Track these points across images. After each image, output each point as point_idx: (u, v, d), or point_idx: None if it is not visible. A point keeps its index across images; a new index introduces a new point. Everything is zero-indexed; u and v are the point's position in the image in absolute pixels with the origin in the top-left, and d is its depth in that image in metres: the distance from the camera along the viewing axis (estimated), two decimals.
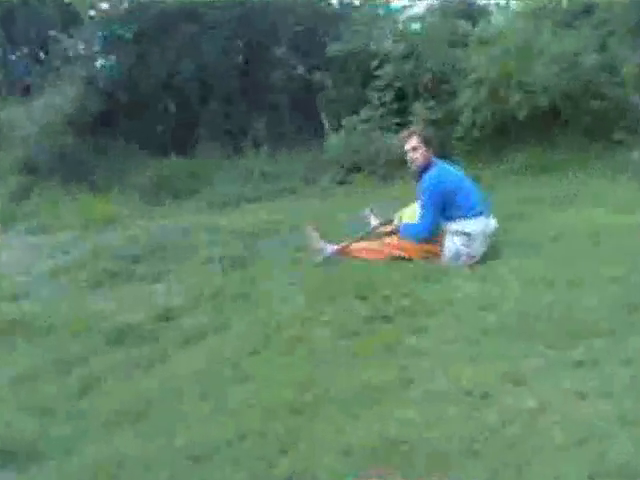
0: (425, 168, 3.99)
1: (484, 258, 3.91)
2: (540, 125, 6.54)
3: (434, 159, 4.02)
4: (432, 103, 7.09)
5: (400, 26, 7.42)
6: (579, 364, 2.54)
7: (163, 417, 2.44)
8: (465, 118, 6.79)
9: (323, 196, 6.33)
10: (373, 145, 6.75)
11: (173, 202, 6.60)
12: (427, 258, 4.02)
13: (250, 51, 7.39)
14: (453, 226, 3.90)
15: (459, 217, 3.89)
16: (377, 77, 7.31)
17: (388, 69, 7.25)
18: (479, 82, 6.46)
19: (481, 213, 3.92)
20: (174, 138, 7.69)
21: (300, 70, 7.18)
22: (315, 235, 4.36)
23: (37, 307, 3.85)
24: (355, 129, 6.92)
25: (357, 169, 6.77)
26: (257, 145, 7.70)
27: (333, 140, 6.95)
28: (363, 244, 4.22)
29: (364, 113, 7.08)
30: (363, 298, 3.45)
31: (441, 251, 3.97)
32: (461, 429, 2.13)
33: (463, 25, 7.13)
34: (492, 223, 3.96)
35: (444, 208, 3.91)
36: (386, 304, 3.30)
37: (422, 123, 4.66)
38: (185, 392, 2.60)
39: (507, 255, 3.97)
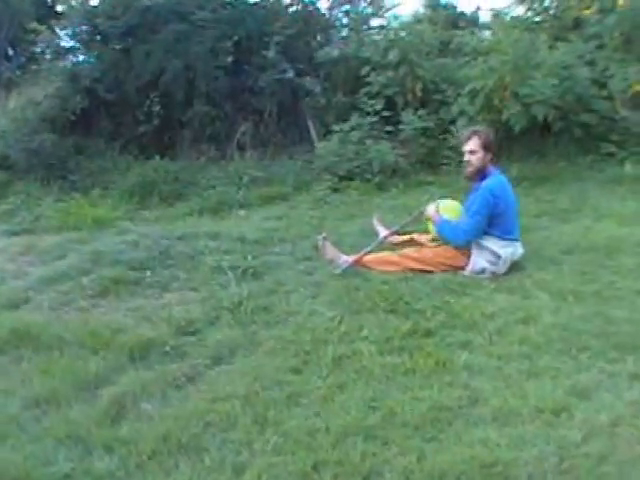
0: (479, 172, 3.93)
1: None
2: (533, 137, 6.59)
3: (491, 167, 3.98)
4: (422, 112, 7.07)
5: (392, 34, 7.34)
6: (635, 376, 2.55)
7: (220, 446, 2.24)
8: (459, 127, 6.79)
9: (318, 204, 6.18)
10: (367, 153, 6.65)
11: (159, 206, 6.37)
12: (445, 271, 3.98)
13: (239, 53, 7.21)
14: (486, 243, 3.86)
15: (496, 237, 3.85)
16: (367, 84, 7.25)
17: (379, 76, 7.20)
18: (475, 92, 6.45)
19: (517, 240, 3.90)
20: (157, 139, 7.43)
21: (290, 74, 7.02)
22: (329, 245, 4.25)
23: (40, 317, 3.59)
24: (347, 136, 6.81)
25: (349, 177, 6.67)
26: (242, 150, 7.54)
27: (324, 147, 6.83)
28: (379, 255, 4.13)
29: (354, 120, 6.99)
30: (393, 311, 3.37)
31: (464, 265, 3.91)
32: (546, 447, 2.09)
33: (457, 34, 7.13)
34: (520, 250, 3.94)
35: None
36: (423, 318, 3.22)
37: (486, 126, 4.57)
38: (236, 416, 2.43)
39: (526, 268, 3.96)
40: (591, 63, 6.69)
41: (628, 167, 6.07)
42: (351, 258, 4.11)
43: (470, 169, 4.00)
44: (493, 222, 3.86)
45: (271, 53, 7.09)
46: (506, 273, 3.87)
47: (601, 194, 5.55)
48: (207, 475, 2.09)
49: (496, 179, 3.94)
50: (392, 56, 7.05)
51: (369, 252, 4.13)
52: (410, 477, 1.96)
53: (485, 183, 3.91)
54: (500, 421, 2.25)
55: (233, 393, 2.60)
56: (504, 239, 3.86)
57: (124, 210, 6.07)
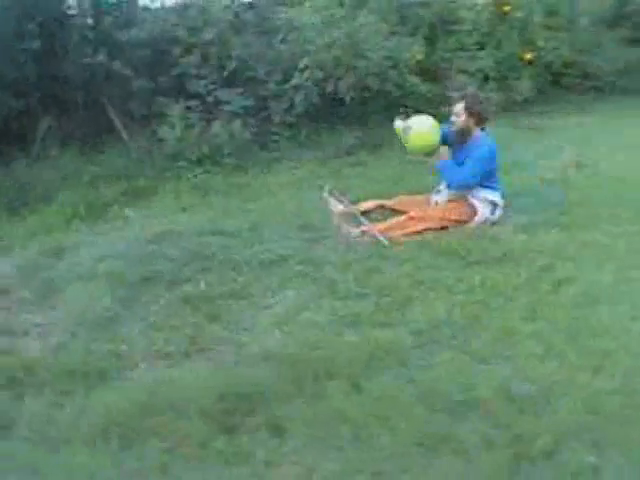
0: (463, 133, 4.34)
1: None
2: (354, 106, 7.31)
3: (477, 130, 4.37)
4: (241, 90, 7.11)
5: (205, 15, 7.08)
6: None
7: None
8: (284, 102, 7.09)
9: (182, 195, 5.78)
10: (214, 136, 6.46)
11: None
12: (446, 228, 4.36)
13: (47, 37, 6.06)
14: (487, 194, 4.36)
15: (491, 188, 4.38)
16: (179, 65, 6.94)
17: (191, 56, 6.95)
18: (305, 68, 6.81)
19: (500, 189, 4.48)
20: None
21: (101, 57, 6.21)
22: (340, 220, 4.31)
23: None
24: (181, 121, 6.47)
25: (199, 161, 6.39)
26: (45, 147, 6.47)
27: (167, 133, 6.37)
28: (392, 222, 4.32)
29: (182, 104, 6.65)
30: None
31: (469, 220, 4.36)
32: None
33: (278, 12, 7.28)
34: None
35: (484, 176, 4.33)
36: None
37: (476, 91, 4.81)
38: None
39: None
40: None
41: None
42: (362, 228, 4.24)
43: (454, 129, 4.46)
44: (491, 178, 4.37)
45: (77, 36, 6.19)
46: None
47: None
48: None
49: (490, 143, 4.37)
50: (207, 35, 6.87)
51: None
52: None
53: (483, 147, 4.33)
54: None
55: None
56: (496, 190, 4.43)
57: None
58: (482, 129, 4.44)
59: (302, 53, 6.97)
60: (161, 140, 6.41)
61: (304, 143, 7.21)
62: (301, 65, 6.75)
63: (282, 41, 7.21)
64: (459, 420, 2.27)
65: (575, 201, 4.71)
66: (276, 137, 7.12)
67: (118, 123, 6.94)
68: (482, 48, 8.15)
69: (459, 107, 4.39)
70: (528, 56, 8.19)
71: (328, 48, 6.81)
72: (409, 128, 4.42)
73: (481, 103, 4.43)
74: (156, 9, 7.29)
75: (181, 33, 6.89)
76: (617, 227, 4.11)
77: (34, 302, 3.47)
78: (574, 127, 7.25)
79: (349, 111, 7.49)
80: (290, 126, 7.27)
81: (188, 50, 6.93)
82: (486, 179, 4.39)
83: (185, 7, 7.08)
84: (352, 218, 4.50)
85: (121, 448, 2.23)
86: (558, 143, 6.37)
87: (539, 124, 7.48)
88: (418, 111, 7.49)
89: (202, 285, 3.52)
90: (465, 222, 4.37)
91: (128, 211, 5.27)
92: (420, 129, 4.45)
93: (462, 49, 8.22)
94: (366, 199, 4.88)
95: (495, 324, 2.96)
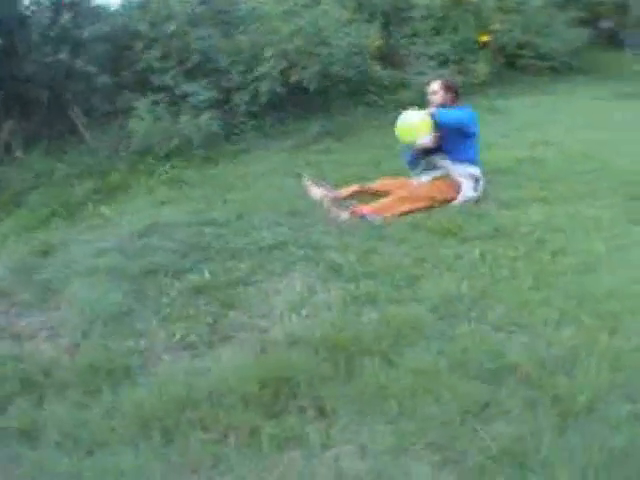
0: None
1: None
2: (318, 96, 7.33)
3: (455, 108, 4.48)
4: (205, 82, 7.04)
5: (164, 10, 6.94)
6: None
7: None
8: (247, 93, 7.07)
9: (156, 190, 5.71)
10: (182, 128, 6.38)
11: None
12: (432, 207, 4.46)
13: (5, 35, 5.82)
14: (468, 169, 4.48)
15: (472, 162, 4.49)
16: (141, 60, 6.82)
17: (152, 50, 6.84)
18: (269, 57, 6.79)
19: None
20: None
21: (62, 55, 6.02)
22: (329, 204, 4.35)
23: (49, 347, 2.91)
24: (152, 113, 6.37)
25: (168, 155, 6.30)
26: (8, 150, 6.26)
27: (136, 127, 6.25)
28: (381, 202, 4.39)
29: (149, 98, 6.55)
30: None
31: (453, 198, 4.47)
32: None
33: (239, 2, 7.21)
34: None
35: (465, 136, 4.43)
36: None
37: (451, 73, 4.92)
38: None
39: None
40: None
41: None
42: (352, 211, 4.30)
43: (433, 107, 4.54)
44: (469, 144, 4.47)
45: (35, 35, 5.99)
46: None
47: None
48: None
49: (466, 107, 4.55)
50: (169, 28, 6.76)
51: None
52: None
53: (462, 108, 4.48)
54: None
55: None
56: (476, 164, 4.56)
57: None
58: None
59: (265, 43, 6.94)
60: (129, 136, 6.29)
61: (270, 133, 7.22)
62: (266, 54, 6.72)
63: (244, 31, 7.16)
64: (497, 386, 2.35)
65: (550, 177, 4.89)
66: (242, 128, 7.09)
67: (79, 121, 6.78)
68: (438, 33, 8.30)
69: (435, 85, 4.52)
70: (484, 39, 8.39)
71: (291, 37, 6.81)
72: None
73: (455, 81, 4.62)
74: (116, 4, 7.14)
75: (143, 28, 6.76)
76: (596, 200, 4.30)
77: (34, 303, 3.37)
78: (533, 107, 7.49)
79: (312, 99, 7.52)
80: (255, 116, 7.25)
81: (149, 44, 6.82)
82: (468, 148, 4.49)
83: (146, 1, 6.93)
84: (340, 202, 4.56)
85: (164, 444, 2.18)
86: (520, 123, 6.56)
87: (498, 105, 7.68)
88: (380, 97, 7.72)
89: (206, 274, 3.49)
90: (451, 200, 4.48)
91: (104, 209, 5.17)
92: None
93: (418, 35, 8.36)
94: (347, 184, 4.94)
95: (505, 295, 3.06)
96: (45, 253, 4.03)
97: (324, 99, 7.58)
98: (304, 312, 3.03)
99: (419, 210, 4.38)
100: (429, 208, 4.42)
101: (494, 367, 2.46)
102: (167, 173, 5.91)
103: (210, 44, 7.10)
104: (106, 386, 2.53)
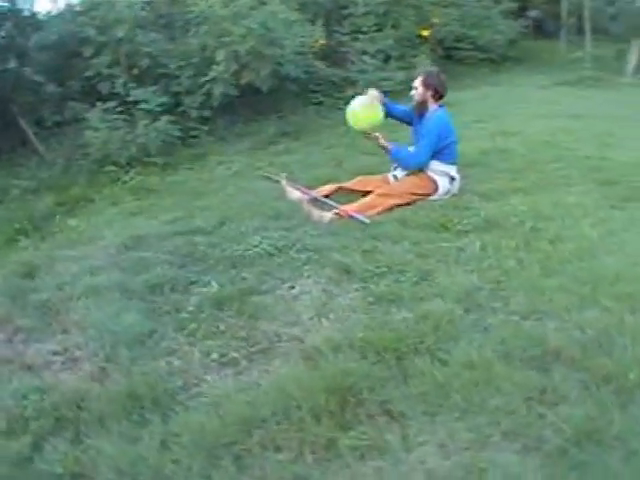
0: (420, 105, 4.54)
1: None
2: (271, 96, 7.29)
3: (433, 103, 4.57)
4: (154, 88, 6.87)
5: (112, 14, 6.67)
6: None
7: None
8: (198, 97, 6.96)
9: (121, 199, 5.55)
10: (138, 136, 6.20)
11: None
12: (412, 203, 4.54)
13: None
14: (443, 169, 4.57)
15: (448, 162, 4.59)
16: (90, 67, 6.57)
17: (101, 56, 6.60)
18: (221, 60, 6.70)
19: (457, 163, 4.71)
20: None
21: (12, 65, 5.68)
22: (309, 206, 4.37)
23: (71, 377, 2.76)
24: (105, 122, 6.15)
25: (128, 164, 6.12)
26: None
27: (92, 138, 6.02)
28: (361, 202, 4.42)
29: (99, 107, 6.32)
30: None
31: (432, 192, 4.58)
32: None
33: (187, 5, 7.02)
34: None
35: (438, 150, 4.54)
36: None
37: (435, 69, 4.88)
38: None
39: None
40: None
41: None
42: (335, 212, 4.32)
43: (413, 102, 4.64)
44: (444, 151, 4.57)
45: None
46: None
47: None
48: None
49: (441, 112, 4.61)
50: (118, 33, 6.53)
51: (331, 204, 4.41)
52: None
53: (434, 116, 4.58)
54: None
55: None
56: (453, 164, 4.65)
57: None
58: (440, 106, 4.66)
59: (215, 46, 6.84)
60: (84, 145, 6.04)
61: (224, 136, 7.16)
62: (219, 58, 6.61)
63: (193, 35, 7.02)
64: (547, 372, 2.44)
65: (519, 167, 5.08)
66: (195, 132, 6.99)
67: (30, 133, 6.45)
68: (380, 30, 8.42)
69: (416, 81, 4.61)
70: (424, 33, 8.58)
71: (243, 39, 6.73)
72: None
73: (438, 78, 4.62)
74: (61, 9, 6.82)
75: (91, 33, 6.50)
76: (571, 187, 4.51)
77: (36, 328, 3.19)
78: (483, 99, 7.73)
79: (264, 100, 7.49)
80: (207, 120, 7.15)
81: (99, 50, 6.57)
82: (443, 154, 4.59)
83: (93, 5, 6.65)
84: (320, 203, 4.56)
85: (238, 470, 2.08)
86: (475, 115, 6.77)
87: (447, 98, 7.84)
88: (329, 96, 7.75)
89: (214, 285, 3.42)
90: (428, 195, 4.58)
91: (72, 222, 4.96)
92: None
93: (360, 32, 8.45)
94: (315, 184, 4.96)
95: (519, 285, 3.16)
96: (29, 273, 3.82)
97: (275, 100, 7.55)
98: (332, 316, 3.02)
99: (400, 206, 4.46)
100: (409, 204, 4.50)
101: (538, 354, 2.54)
102: (128, 182, 5.76)
103: (159, 48, 6.92)
104: (152, 414, 2.37)
